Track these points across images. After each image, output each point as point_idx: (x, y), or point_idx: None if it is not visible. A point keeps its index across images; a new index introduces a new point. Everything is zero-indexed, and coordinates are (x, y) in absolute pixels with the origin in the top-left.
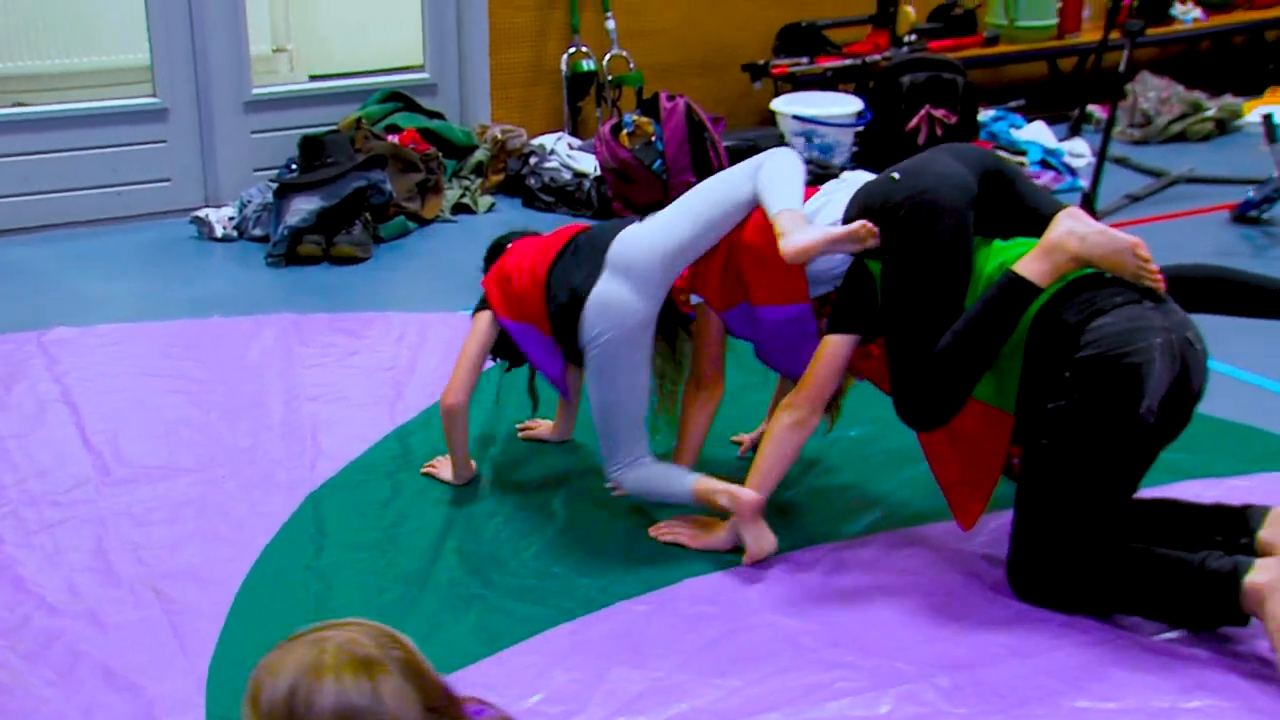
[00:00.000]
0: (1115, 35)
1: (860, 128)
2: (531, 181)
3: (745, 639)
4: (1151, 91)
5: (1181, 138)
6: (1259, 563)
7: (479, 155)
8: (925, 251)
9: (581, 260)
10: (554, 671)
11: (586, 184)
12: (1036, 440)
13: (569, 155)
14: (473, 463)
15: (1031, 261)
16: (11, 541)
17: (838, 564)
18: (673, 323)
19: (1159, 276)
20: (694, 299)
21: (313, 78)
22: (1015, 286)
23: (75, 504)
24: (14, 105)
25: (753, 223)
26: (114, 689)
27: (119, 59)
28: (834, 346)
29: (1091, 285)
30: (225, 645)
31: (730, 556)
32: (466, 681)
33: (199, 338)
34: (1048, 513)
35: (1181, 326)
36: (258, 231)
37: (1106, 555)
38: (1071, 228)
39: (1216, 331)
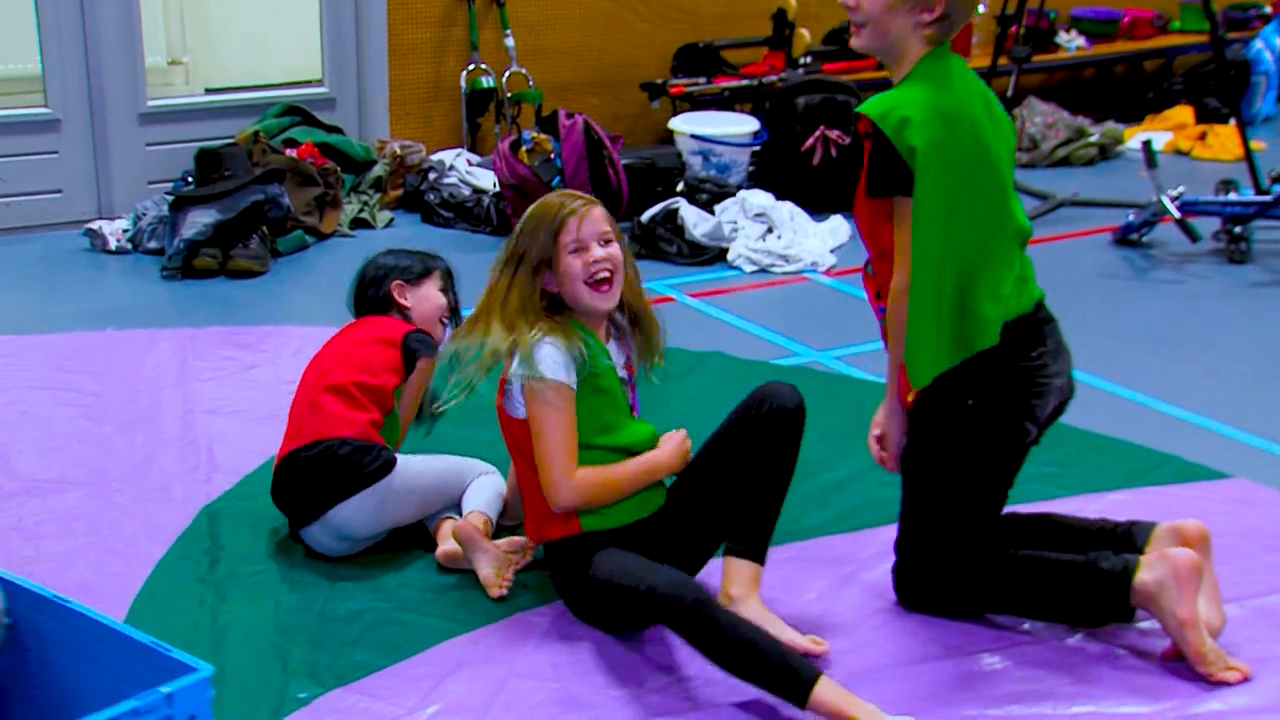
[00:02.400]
0: (1004, 61)
1: (757, 147)
2: (430, 197)
3: (649, 650)
4: (1038, 116)
5: (1066, 162)
6: (1145, 560)
7: (378, 170)
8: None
9: None
10: (449, 683)
11: (485, 200)
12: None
13: (468, 171)
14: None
15: None
16: None
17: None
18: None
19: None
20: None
21: (209, 91)
22: None
23: None
24: None
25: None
26: None
27: (8, 68)
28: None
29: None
30: None
31: None
32: (362, 691)
33: (92, 351)
34: (926, 514)
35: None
36: (153, 244)
37: (990, 559)
38: None
39: (1100, 348)
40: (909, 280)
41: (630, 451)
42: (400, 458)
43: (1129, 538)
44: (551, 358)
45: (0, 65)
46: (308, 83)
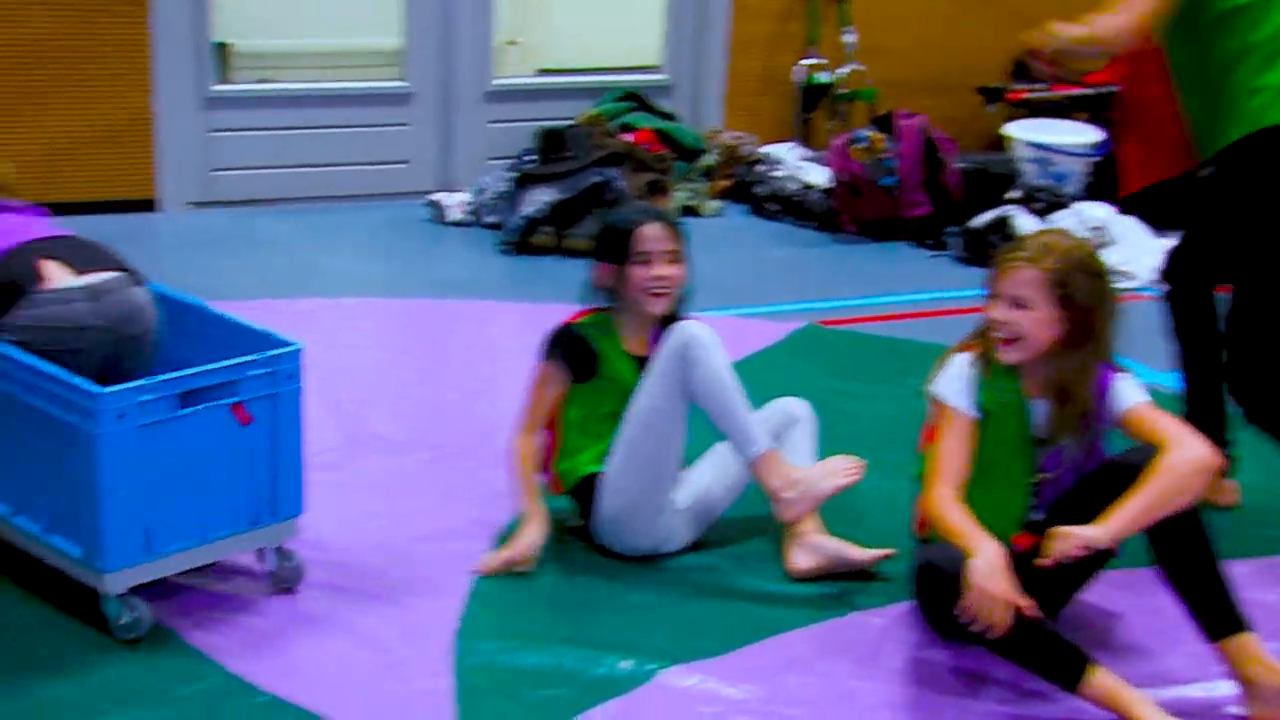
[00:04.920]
0: None
1: (1098, 158)
2: (759, 189)
3: (988, 662)
4: None
5: None
6: None
7: (708, 159)
8: None
9: None
10: (787, 675)
11: (814, 195)
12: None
13: (798, 165)
14: None
15: None
16: None
17: None
18: None
19: None
20: None
21: (540, 72)
22: None
23: (325, 468)
24: (260, 81)
25: None
26: (362, 646)
27: (365, 41)
28: None
29: None
30: (469, 621)
31: None
32: (702, 671)
33: (438, 318)
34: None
35: None
36: (491, 219)
37: None
38: None
39: None
40: None
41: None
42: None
43: None
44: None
45: (361, 38)
46: (644, 68)
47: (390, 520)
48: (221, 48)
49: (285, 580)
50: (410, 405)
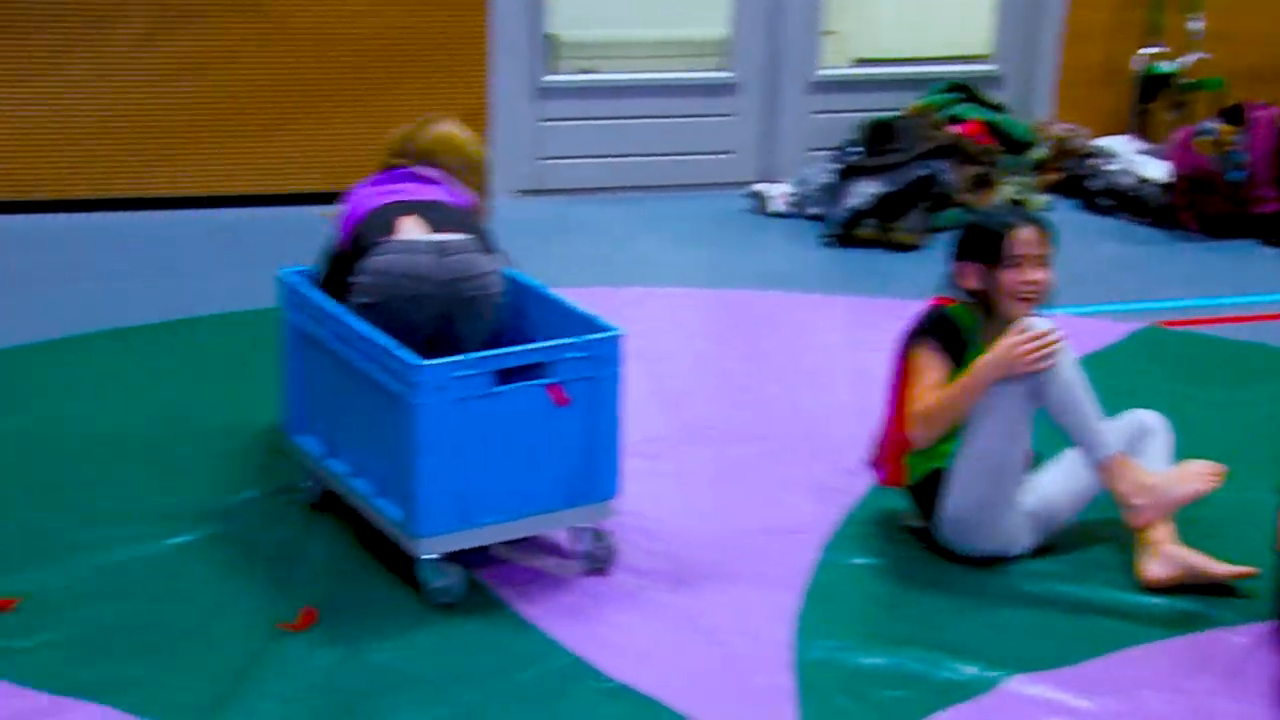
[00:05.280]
0: None
1: None
2: (1092, 184)
3: None
4: None
5: None
6: None
7: (1038, 153)
8: None
9: None
10: (1144, 690)
11: (1150, 189)
12: None
13: (1133, 159)
14: None
15: None
16: None
17: None
18: None
19: None
20: None
21: (856, 62)
22: None
23: (651, 456)
24: (581, 72)
25: None
26: (699, 637)
27: (689, 31)
28: None
29: None
30: (806, 618)
31: None
32: (1048, 682)
33: (760, 309)
34: None
35: None
36: (814, 210)
37: None
38: None
39: None
40: None
41: None
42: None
43: None
44: None
45: (686, 29)
46: (972, 58)
47: (719, 511)
48: (548, 39)
49: (598, 561)
50: (735, 396)
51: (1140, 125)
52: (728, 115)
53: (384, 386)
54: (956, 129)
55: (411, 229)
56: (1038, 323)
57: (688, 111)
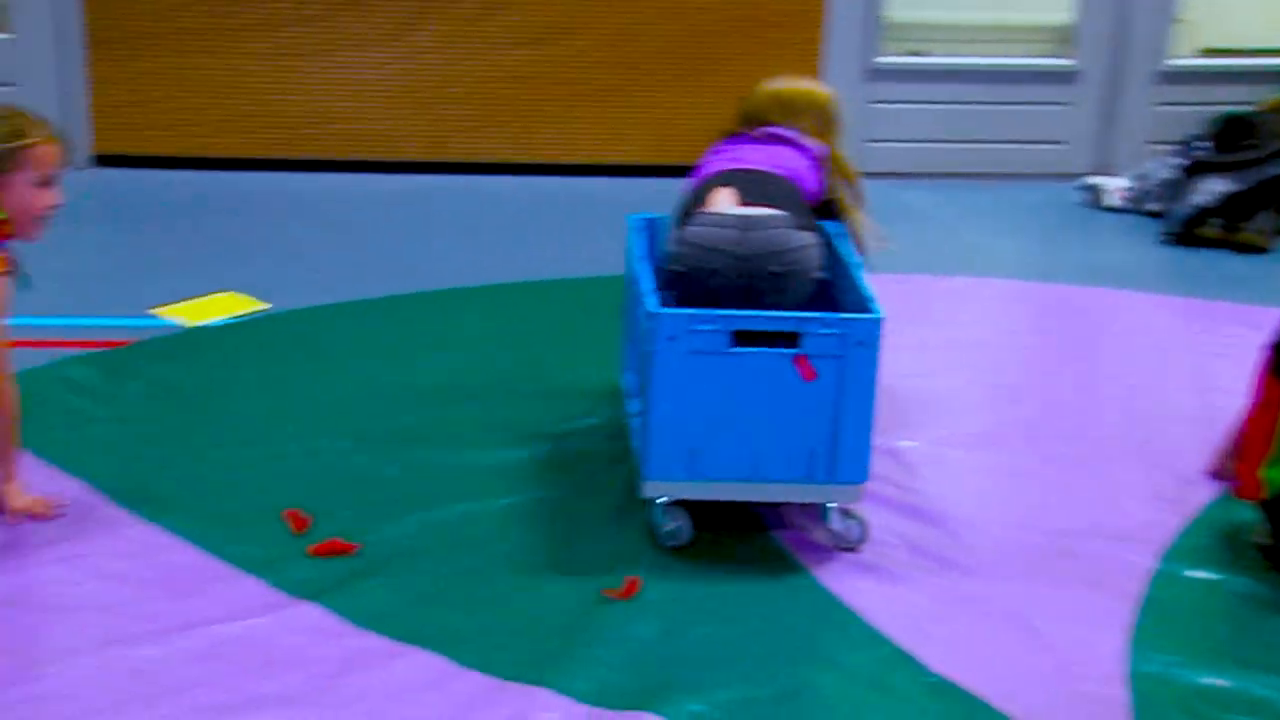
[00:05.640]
0: None
1: None
2: None
3: None
4: None
5: None
6: None
7: None
8: None
9: None
10: None
11: None
12: None
13: None
14: None
15: None
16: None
17: None
18: None
19: None
20: None
21: (1203, 52)
22: None
23: (972, 448)
24: (908, 54)
25: None
26: (1026, 637)
27: (1029, 16)
28: None
29: None
30: (1142, 629)
31: None
32: None
33: (1091, 306)
34: None
35: None
36: (1152, 206)
37: None
38: None
39: None
40: None
41: None
42: None
43: None
44: None
45: (1026, 13)
46: None
47: (1046, 509)
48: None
49: (844, 540)
50: (1065, 394)
51: None
52: (1065, 104)
53: (645, 332)
54: None
55: (724, 201)
56: None
57: (1022, 98)
